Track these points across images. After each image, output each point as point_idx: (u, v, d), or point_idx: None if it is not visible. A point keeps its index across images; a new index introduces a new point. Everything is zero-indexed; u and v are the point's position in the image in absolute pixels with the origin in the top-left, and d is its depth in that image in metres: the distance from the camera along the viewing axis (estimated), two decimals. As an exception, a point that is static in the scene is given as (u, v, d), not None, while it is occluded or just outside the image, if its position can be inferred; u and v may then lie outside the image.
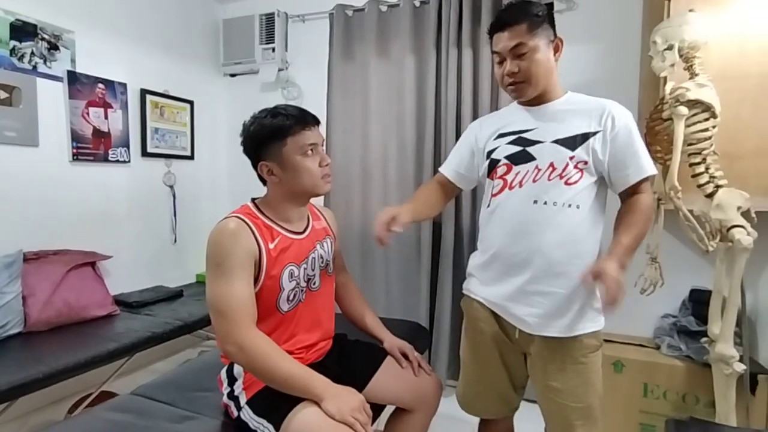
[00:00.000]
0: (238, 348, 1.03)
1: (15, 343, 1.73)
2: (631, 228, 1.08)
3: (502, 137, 1.22)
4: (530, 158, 1.15)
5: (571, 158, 1.11)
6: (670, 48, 1.49)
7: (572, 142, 1.12)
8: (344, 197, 2.60)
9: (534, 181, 1.13)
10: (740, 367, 1.46)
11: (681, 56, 1.50)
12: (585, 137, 1.11)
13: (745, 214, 1.46)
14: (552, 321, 1.12)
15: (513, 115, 1.25)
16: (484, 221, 1.26)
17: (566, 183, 1.11)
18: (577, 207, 1.11)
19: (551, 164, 1.12)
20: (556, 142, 1.13)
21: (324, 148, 1.25)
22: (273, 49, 2.78)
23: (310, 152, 1.15)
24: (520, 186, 1.15)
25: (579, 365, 1.14)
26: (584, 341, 1.13)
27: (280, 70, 2.82)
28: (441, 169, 1.39)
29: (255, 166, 1.19)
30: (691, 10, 1.52)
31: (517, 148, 1.18)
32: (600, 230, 1.16)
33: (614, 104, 1.14)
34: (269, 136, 1.14)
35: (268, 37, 2.79)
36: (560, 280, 1.11)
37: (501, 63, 1.17)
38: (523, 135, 1.18)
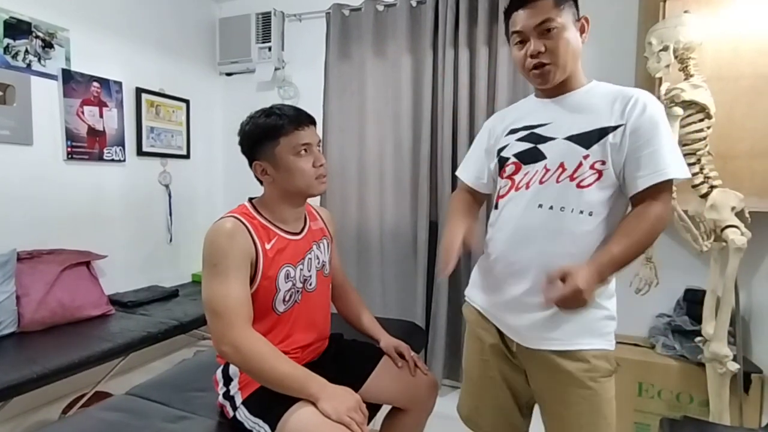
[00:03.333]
0: (233, 348, 1.03)
1: (8, 343, 1.72)
2: (628, 236, 0.92)
3: (513, 133, 1.10)
4: (540, 157, 1.02)
5: (585, 157, 0.97)
6: (665, 49, 1.50)
7: (587, 139, 0.98)
8: (340, 196, 2.59)
9: (541, 182, 1.01)
10: (734, 367, 1.47)
11: (676, 57, 1.51)
12: (603, 132, 0.96)
13: (739, 215, 1.48)
14: (548, 334, 1.01)
15: (528, 108, 1.12)
16: (491, 223, 1.15)
17: (578, 186, 0.97)
18: (590, 214, 0.97)
19: (561, 164, 0.99)
20: (570, 138, 0.99)
21: (320, 148, 1.25)
22: (269, 49, 2.78)
23: (303, 152, 1.14)
24: (527, 188, 1.03)
25: (585, 390, 0.99)
26: (592, 362, 0.99)
27: (276, 69, 2.81)
28: (461, 177, 1.27)
29: (251, 166, 1.19)
30: (686, 12, 1.53)
31: (528, 145, 1.05)
32: None
33: (644, 93, 0.98)
34: (263, 135, 1.13)
35: (265, 36, 2.79)
36: None
37: (522, 44, 1.02)
38: (536, 130, 1.05)
